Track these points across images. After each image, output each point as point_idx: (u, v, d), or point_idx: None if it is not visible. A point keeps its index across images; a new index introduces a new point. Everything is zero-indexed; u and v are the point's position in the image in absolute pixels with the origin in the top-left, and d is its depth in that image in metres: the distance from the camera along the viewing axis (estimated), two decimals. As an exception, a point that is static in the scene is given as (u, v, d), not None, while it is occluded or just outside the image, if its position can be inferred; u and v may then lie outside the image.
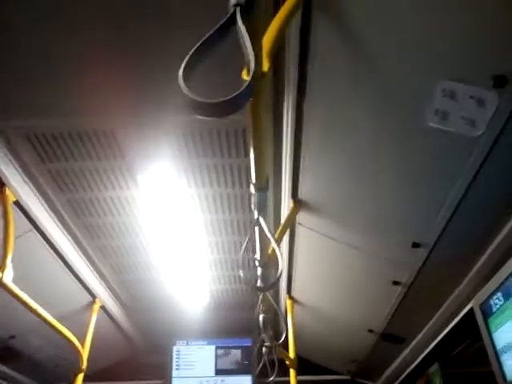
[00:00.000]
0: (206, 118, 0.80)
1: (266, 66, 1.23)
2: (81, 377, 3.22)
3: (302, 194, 2.31)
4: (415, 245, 2.21)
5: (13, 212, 2.38)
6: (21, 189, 2.45)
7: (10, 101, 2.05)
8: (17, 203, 2.46)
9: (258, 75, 1.12)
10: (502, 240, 2.02)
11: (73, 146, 2.37)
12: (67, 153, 2.41)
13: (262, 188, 1.51)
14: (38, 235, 2.72)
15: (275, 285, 1.87)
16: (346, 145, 1.91)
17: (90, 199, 2.75)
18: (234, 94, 0.77)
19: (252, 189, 1.52)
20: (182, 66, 0.82)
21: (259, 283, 1.90)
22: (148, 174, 2.51)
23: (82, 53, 1.85)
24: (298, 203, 2.36)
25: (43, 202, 2.62)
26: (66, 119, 2.21)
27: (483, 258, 2.20)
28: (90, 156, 2.43)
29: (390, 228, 2.27)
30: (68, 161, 2.46)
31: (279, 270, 1.50)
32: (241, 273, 1.64)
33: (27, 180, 2.48)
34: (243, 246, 1.59)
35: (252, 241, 1.74)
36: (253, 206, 1.55)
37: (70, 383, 3.25)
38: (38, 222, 2.63)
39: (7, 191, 2.36)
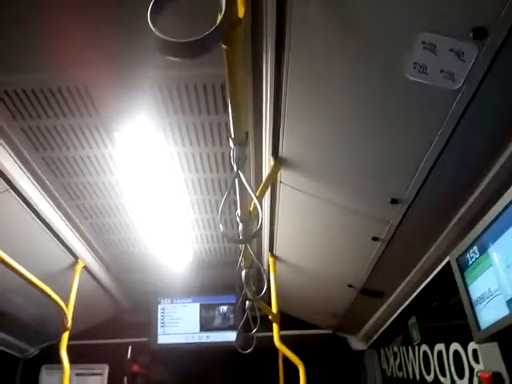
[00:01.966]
0: (174, 59, 0.76)
1: (241, 11, 1.17)
2: (66, 335, 3.25)
3: (283, 151, 2.28)
4: (394, 201, 2.22)
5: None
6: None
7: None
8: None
9: (232, 20, 1.08)
10: (478, 196, 2.04)
11: (45, 103, 2.29)
12: (40, 110, 2.33)
13: (241, 142, 1.49)
14: (15, 195, 2.66)
15: (254, 236, 1.87)
16: (327, 101, 1.87)
17: (66, 158, 2.69)
18: (203, 35, 0.74)
19: (231, 143, 1.50)
20: (151, 5, 0.78)
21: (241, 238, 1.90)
22: (125, 132, 2.45)
23: (54, 6, 1.76)
24: (279, 161, 2.34)
25: (18, 160, 2.55)
26: (38, 75, 2.13)
27: (460, 213, 2.23)
28: (64, 113, 2.36)
29: (370, 185, 2.28)
30: (41, 118, 2.39)
31: (259, 222, 1.49)
32: (220, 226, 1.64)
33: (0, 139, 2.40)
34: (223, 199, 1.58)
35: (232, 195, 1.72)
36: (232, 160, 1.53)
37: (57, 342, 3.29)
38: (13, 182, 2.57)
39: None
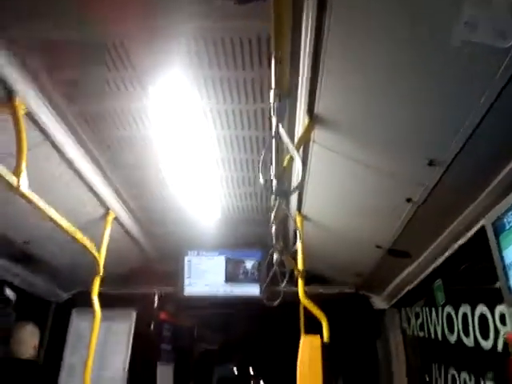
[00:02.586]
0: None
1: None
2: (98, 280, 3.39)
3: (319, 109, 2.23)
4: (431, 162, 2.18)
5: (25, 123, 2.35)
6: (32, 100, 2.39)
7: (19, 7, 1.96)
8: (28, 115, 2.42)
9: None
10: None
11: (81, 56, 2.28)
12: (76, 62, 2.33)
13: (282, 95, 1.46)
14: (51, 146, 2.71)
15: (295, 191, 1.86)
16: (367, 60, 1.81)
17: (101, 111, 2.70)
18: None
19: (271, 97, 1.47)
20: None
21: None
22: (159, 85, 2.43)
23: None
24: (314, 119, 2.29)
25: (54, 113, 2.57)
26: (74, 28, 2.11)
27: (498, 178, 2.18)
28: (100, 66, 2.35)
29: (407, 146, 2.23)
30: (77, 71, 2.39)
31: (299, 176, 1.48)
32: (261, 177, 1.62)
33: (37, 90, 2.41)
34: (261, 156, 1.57)
35: (270, 151, 1.71)
36: (272, 113, 1.51)
37: (87, 288, 3.43)
38: (50, 134, 2.61)
39: (17, 101, 2.31)
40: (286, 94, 1.47)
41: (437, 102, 1.88)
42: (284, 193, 1.77)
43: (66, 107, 2.62)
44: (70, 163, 2.91)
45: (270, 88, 1.47)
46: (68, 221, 2.87)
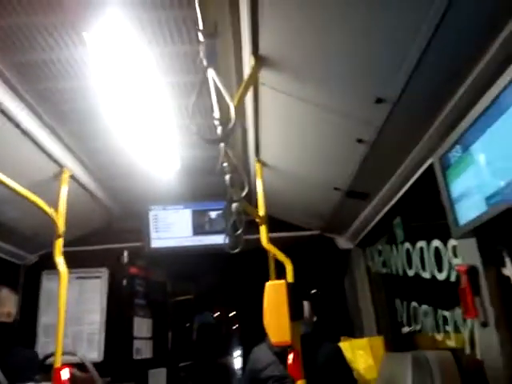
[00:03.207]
0: None
1: None
2: (59, 241, 3.32)
3: (263, 49, 2.15)
4: (378, 100, 2.15)
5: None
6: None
7: None
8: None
9: None
10: (463, 93, 1.97)
11: (6, 1, 2.11)
12: (1, 8, 2.15)
13: (210, 34, 1.37)
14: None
15: (228, 136, 1.79)
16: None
17: (36, 61, 2.55)
18: None
19: (200, 36, 1.38)
20: None
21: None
22: (94, 31, 2.28)
23: None
24: (260, 60, 2.21)
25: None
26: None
27: (442, 115, 2.18)
28: (27, 11, 2.18)
29: (354, 84, 2.20)
30: (3, 17, 2.21)
31: (232, 121, 1.43)
32: (192, 126, 1.56)
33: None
34: (193, 98, 1.50)
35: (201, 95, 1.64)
36: (202, 55, 1.43)
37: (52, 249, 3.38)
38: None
39: None
40: (213, 33, 1.39)
41: (378, 39, 1.85)
42: (221, 139, 1.72)
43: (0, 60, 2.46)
44: (12, 120, 2.76)
45: (197, 28, 1.38)
46: (22, 182, 2.77)
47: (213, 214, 4.74)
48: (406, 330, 3.65)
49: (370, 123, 2.35)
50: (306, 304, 3.23)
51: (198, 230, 4.70)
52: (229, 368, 8.11)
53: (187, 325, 7.15)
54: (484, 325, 2.11)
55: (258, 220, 3.29)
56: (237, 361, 8.90)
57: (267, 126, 2.87)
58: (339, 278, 5.03)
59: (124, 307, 4.89)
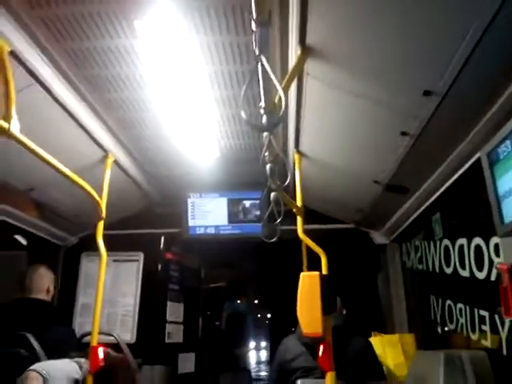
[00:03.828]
0: None
1: None
2: (101, 224, 3.44)
3: (311, 39, 2.15)
4: (426, 93, 2.12)
5: (10, 64, 2.29)
6: (15, 38, 2.31)
7: None
8: (13, 54, 2.35)
9: None
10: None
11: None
12: (57, -4, 2.23)
13: (263, 22, 1.39)
14: (41, 89, 2.66)
15: (277, 124, 1.80)
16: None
17: (87, 49, 2.62)
18: None
19: (253, 25, 1.40)
20: None
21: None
22: (145, 20, 2.34)
23: None
24: (306, 50, 2.21)
25: (40, 52, 2.49)
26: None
27: (494, 108, 2.12)
28: (82, 0, 2.26)
29: (402, 76, 2.17)
30: (58, 6, 2.30)
31: (282, 108, 1.45)
32: (242, 113, 1.58)
33: (19, 28, 2.33)
34: (245, 85, 1.52)
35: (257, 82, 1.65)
36: (254, 44, 1.45)
37: (94, 231, 3.50)
38: (38, 74, 2.54)
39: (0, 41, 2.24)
40: (267, 22, 1.40)
41: (430, 32, 1.82)
42: (270, 127, 1.73)
43: (51, 46, 2.55)
44: (62, 106, 2.86)
45: (251, 17, 1.40)
46: (69, 166, 2.87)
47: (247, 203, 4.78)
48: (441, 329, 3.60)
49: (416, 116, 2.32)
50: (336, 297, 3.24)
51: (233, 218, 4.76)
52: (240, 360, 8.11)
53: (211, 313, 7.21)
54: (526, 325, 2.07)
55: (294, 210, 3.31)
56: (256, 353, 8.91)
57: (309, 116, 2.87)
58: (373, 272, 4.99)
59: (158, 291, 5.01)
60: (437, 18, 1.74)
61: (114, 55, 2.68)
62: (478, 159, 2.30)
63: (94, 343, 2.98)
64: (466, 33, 1.73)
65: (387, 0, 1.76)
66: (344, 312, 3.38)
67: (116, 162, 3.78)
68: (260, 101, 1.96)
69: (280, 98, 1.96)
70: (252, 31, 1.44)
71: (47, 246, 4.74)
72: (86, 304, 4.81)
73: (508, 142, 1.99)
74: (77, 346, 3.27)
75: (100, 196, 3.39)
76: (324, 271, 2.96)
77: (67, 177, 2.87)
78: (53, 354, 2.90)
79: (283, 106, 1.44)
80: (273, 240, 3.18)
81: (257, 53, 1.44)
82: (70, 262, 5.03)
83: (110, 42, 2.57)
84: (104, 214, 3.43)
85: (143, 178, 4.46)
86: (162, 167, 4.37)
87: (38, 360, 2.77)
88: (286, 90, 2.21)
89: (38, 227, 4.38)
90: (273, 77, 1.49)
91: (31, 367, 2.59)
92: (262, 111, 1.90)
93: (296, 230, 3.33)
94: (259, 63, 1.51)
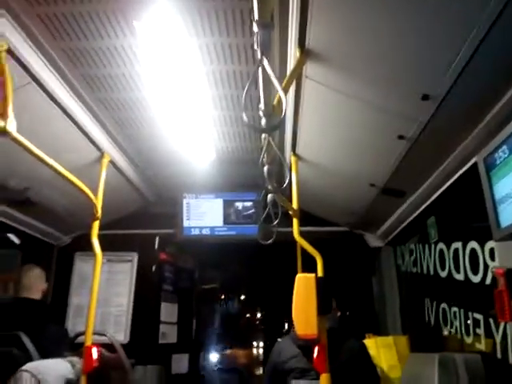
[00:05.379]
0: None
1: None
2: (96, 223, 3.42)
3: (310, 42, 2.15)
4: (425, 97, 2.13)
5: (7, 62, 2.27)
6: (11, 36, 2.30)
7: None
8: (9, 52, 2.34)
9: None
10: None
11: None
12: (55, -5, 2.22)
13: (265, 25, 1.39)
14: (38, 88, 2.64)
15: (277, 126, 1.81)
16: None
17: (85, 48, 2.61)
18: None
19: (255, 27, 1.40)
20: None
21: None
22: (144, 20, 2.33)
23: None
24: (306, 53, 2.21)
25: (37, 51, 2.48)
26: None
27: (491, 113, 2.14)
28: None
29: (401, 80, 2.18)
30: (57, 4, 2.28)
31: (283, 111, 1.44)
32: (244, 115, 1.58)
33: (17, 26, 2.31)
34: (246, 86, 1.52)
35: (255, 84, 1.65)
36: (255, 46, 1.45)
37: (88, 231, 3.47)
38: (34, 73, 2.52)
39: (-4, 38, 2.23)
40: (269, 24, 1.40)
41: (429, 38, 1.83)
42: (271, 129, 1.72)
43: (49, 44, 2.53)
44: (59, 104, 2.84)
45: (252, 18, 1.40)
46: (64, 164, 2.85)
47: (243, 205, 4.78)
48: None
49: (414, 120, 2.33)
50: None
51: (229, 219, 4.75)
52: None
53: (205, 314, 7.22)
54: (520, 329, 2.08)
55: (291, 212, 3.31)
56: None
57: (306, 119, 2.87)
58: (367, 275, 5.01)
59: (152, 292, 4.99)
60: (436, 24, 1.75)
61: (111, 55, 2.67)
62: (474, 164, 2.32)
63: (88, 343, 2.96)
64: (464, 39, 1.74)
65: (387, 5, 1.76)
66: (338, 314, 3.39)
67: (112, 162, 3.76)
68: (259, 103, 1.97)
69: (279, 100, 1.96)
70: (254, 33, 1.44)
71: (40, 245, 4.71)
72: (79, 304, 4.77)
73: (505, 147, 1.99)
74: (70, 346, 3.25)
75: (95, 196, 3.38)
76: (319, 273, 2.96)
77: (63, 176, 2.85)
78: (46, 354, 2.88)
79: (284, 109, 1.44)
80: (269, 242, 3.19)
81: (259, 55, 1.44)
82: (63, 261, 4.99)
83: (107, 42, 2.56)
84: (99, 214, 3.41)
85: (139, 178, 4.45)
86: (158, 167, 4.35)
87: (30, 359, 2.75)
88: (284, 92, 2.21)
89: (32, 226, 4.36)
90: (275, 80, 1.48)
91: (24, 367, 2.56)
92: (261, 113, 1.91)
93: (291, 232, 3.34)
94: (260, 66, 1.51)
